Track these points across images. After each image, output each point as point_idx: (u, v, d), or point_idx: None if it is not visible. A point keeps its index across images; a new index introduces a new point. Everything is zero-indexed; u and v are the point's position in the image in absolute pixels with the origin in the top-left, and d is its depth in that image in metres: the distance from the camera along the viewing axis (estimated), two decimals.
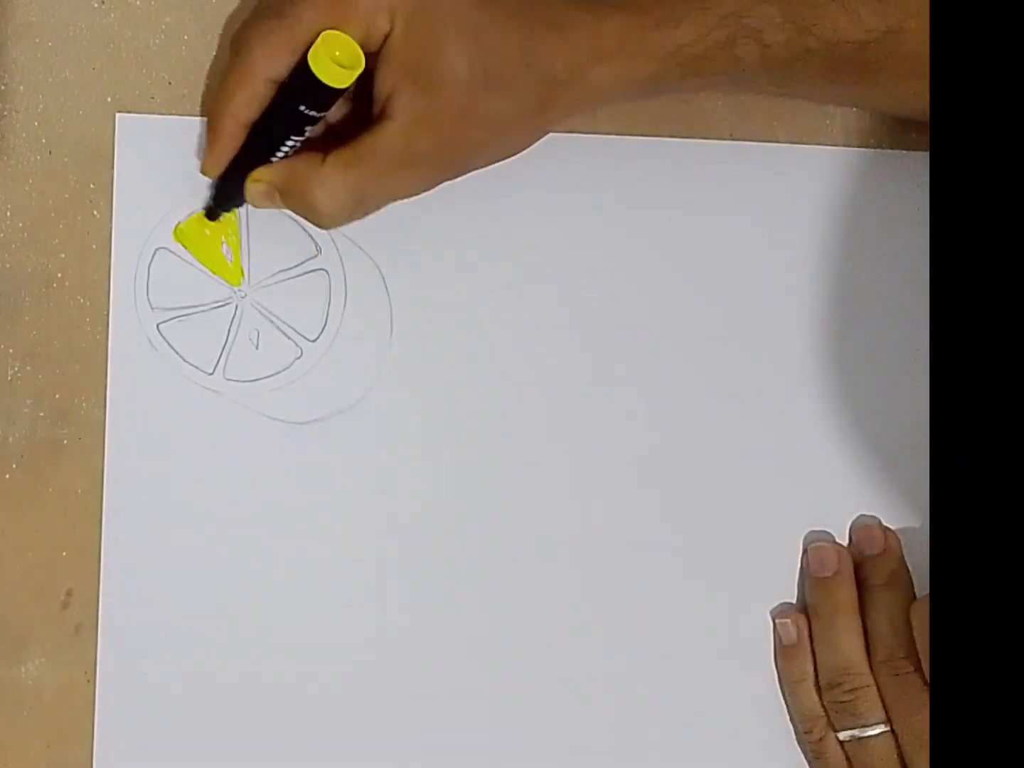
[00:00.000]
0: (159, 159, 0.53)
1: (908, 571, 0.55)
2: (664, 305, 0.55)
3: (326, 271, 0.54)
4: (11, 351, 0.53)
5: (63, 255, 0.53)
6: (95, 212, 0.53)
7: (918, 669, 0.52)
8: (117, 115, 0.53)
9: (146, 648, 0.53)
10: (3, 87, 0.53)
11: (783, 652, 0.55)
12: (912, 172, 0.56)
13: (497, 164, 0.51)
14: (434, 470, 0.54)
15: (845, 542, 0.56)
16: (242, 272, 0.53)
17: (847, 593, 0.55)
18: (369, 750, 0.54)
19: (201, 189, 0.53)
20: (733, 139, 0.55)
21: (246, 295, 0.53)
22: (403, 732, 0.54)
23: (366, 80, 0.48)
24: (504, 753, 0.54)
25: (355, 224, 0.52)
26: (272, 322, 0.54)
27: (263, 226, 0.53)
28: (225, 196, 0.52)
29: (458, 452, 0.54)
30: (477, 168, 0.51)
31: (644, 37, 0.49)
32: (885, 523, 0.56)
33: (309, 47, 0.47)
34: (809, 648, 0.55)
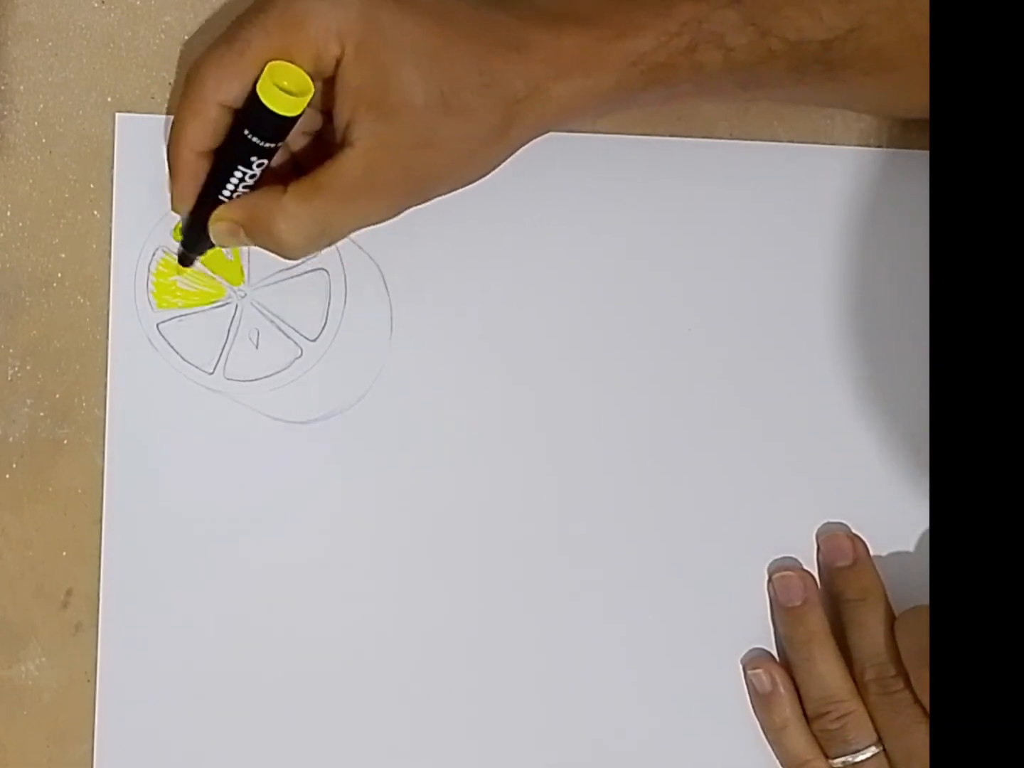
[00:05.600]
0: (159, 159, 0.52)
1: (880, 581, 0.54)
2: (662, 305, 0.55)
3: (326, 271, 0.54)
4: (11, 351, 0.53)
5: (63, 255, 0.53)
6: (95, 212, 0.53)
7: (908, 685, 0.51)
8: (117, 115, 0.53)
9: (146, 648, 0.53)
10: (3, 87, 0.53)
11: (760, 702, 0.54)
12: (912, 172, 0.56)
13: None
14: (434, 470, 0.54)
15: (812, 549, 0.55)
16: (242, 272, 0.53)
17: (818, 619, 0.54)
18: (370, 749, 0.54)
19: None
20: (733, 139, 0.55)
21: (246, 295, 0.53)
22: (403, 730, 0.54)
23: (329, 113, 0.48)
24: (496, 754, 0.54)
25: None
26: (272, 322, 0.54)
27: None
28: (195, 239, 0.51)
29: (458, 452, 0.54)
30: (442, 193, 0.50)
31: (604, 49, 0.49)
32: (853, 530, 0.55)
33: (260, 73, 0.46)
34: (786, 692, 0.54)
